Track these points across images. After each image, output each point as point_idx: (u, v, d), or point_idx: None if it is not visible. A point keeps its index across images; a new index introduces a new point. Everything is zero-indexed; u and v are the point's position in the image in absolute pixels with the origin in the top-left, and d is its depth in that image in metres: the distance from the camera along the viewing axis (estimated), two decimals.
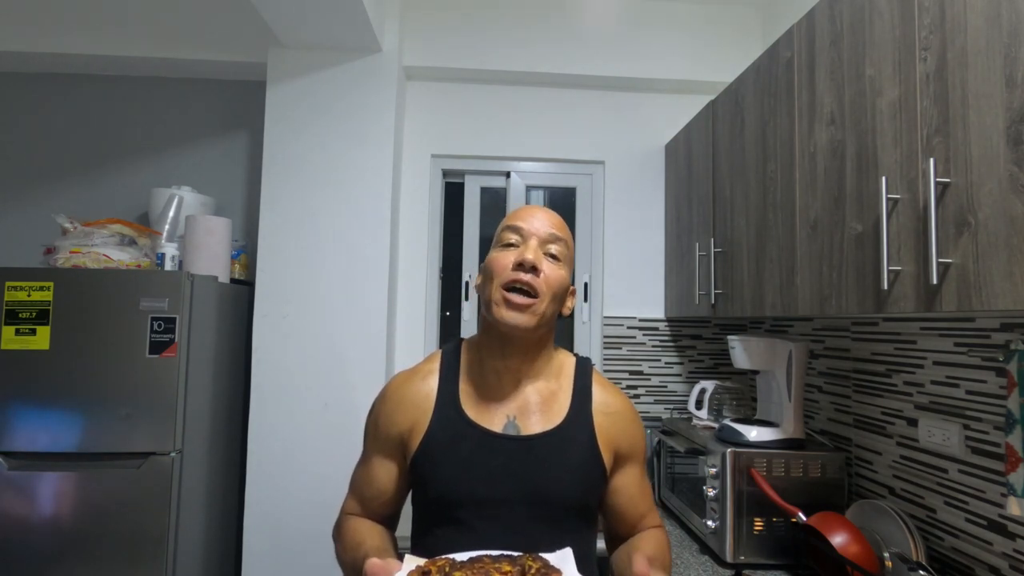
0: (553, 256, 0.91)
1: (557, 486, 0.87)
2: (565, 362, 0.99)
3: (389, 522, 0.96)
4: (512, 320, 0.86)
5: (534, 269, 0.87)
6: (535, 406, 0.92)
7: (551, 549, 0.78)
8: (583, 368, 0.99)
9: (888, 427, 1.42)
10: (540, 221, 0.92)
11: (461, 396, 0.92)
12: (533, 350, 0.93)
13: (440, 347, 1.00)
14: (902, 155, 0.98)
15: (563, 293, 0.92)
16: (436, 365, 0.96)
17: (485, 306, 0.90)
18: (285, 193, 1.94)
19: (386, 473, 0.92)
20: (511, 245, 0.90)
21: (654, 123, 2.27)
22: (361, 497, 0.94)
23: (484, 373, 0.93)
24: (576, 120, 2.26)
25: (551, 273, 0.89)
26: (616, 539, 0.98)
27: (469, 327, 2.25)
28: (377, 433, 0.93)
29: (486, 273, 0.91)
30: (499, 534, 0.85)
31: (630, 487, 0.95)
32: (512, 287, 0.87)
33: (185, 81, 2.22)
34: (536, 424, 0.90)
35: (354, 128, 1.97)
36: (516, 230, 0.91)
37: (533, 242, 0.90)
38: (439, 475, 0.87)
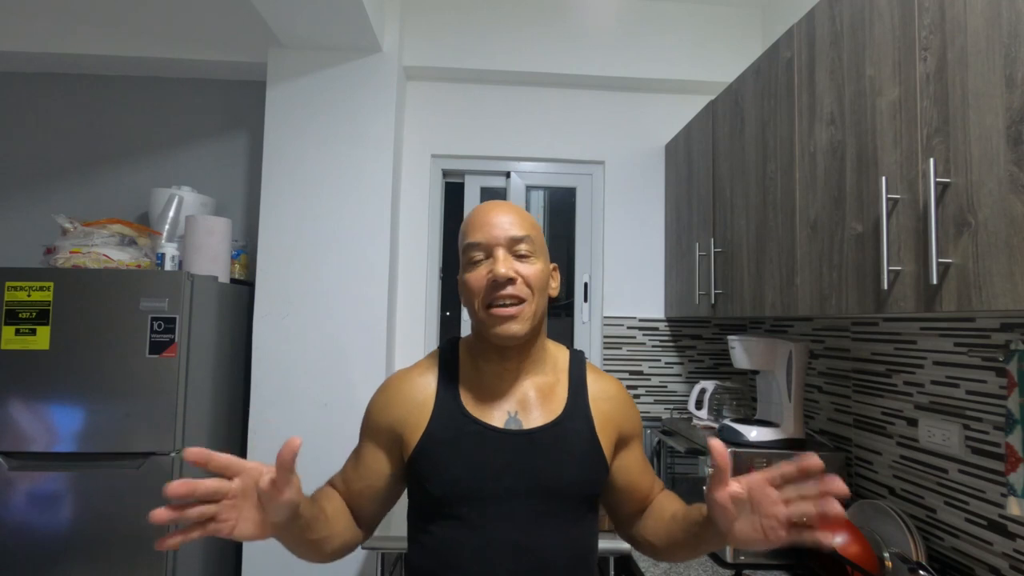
0: (523, 256, 0.88)
1: (561, 477, 0.88)
2: (559, 355, 1.00)
3: (367, 521, 0.93)
4: (505, 333, 0.86)
5: (510, 281, 0.85)
6: (534, 400, 0.92)
7: (555, 541, 0.84)
8: (577, 360, 1.00)
9: (888, 427, 1.42)
10: (497, 227, 0.87)
11: (461, 394, 0.92)
12: (528, 348, 0.93)
13: (439, 345, 0.99)
14: (902, 155, 0.98)
15: (546, 283, 0.92)
16: (434, 363, 0.96)
17: (478, 325, 0.90)
18: (285, 193, 1.94)
19: (376, 463, 0.91)
20: (478, 262, 0.88)
21: (654, 123, 2.27)
22: (347, 480, 0.93)
23: (481, 374, 0.93)
24: (576, 120, 2.26)
25: (528, 272, 0.87)
26: (629, 517, 1.00)
27: (469, 327, 2.25)
28: (369, 423, 0.93)
29: (465, 295, 0.90)
30: (503, 529, 0.85)
31: (637, 463, 1.00)
32: (494, 303, 0.86)
33: (185, 81, 2.23)
34: (537, 418, 0.91)
35: (354, 128, 1.97)
36: (477, 246, 0.87)
37: (500, 252, 0.86)
38: (442, 473, 0.86)
